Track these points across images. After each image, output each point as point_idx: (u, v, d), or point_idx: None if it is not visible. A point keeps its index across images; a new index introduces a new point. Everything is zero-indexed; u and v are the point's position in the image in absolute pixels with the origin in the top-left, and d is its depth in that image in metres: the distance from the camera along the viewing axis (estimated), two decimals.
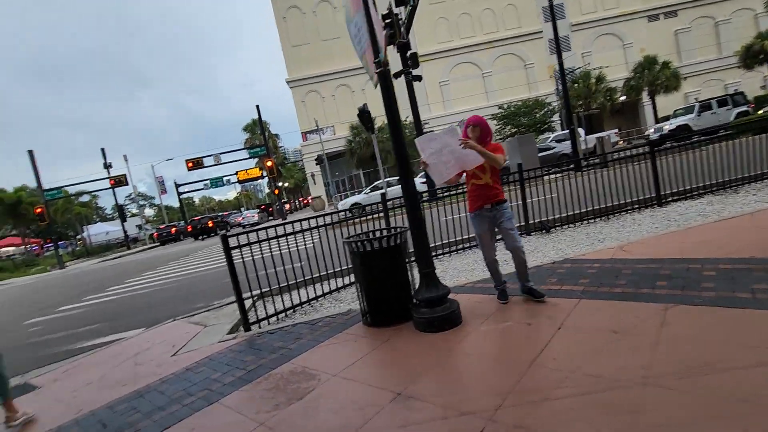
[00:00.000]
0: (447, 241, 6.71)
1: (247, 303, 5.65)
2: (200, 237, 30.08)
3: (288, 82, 35.65)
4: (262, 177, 42.08)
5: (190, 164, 31.25)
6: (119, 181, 32.72)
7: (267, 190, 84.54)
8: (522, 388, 2.29)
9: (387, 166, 33.10)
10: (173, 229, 32.00)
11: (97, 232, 44.48)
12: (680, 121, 19.46)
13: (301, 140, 36.17)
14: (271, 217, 37.48)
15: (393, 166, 32.12)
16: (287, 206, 35.80)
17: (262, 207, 42.31)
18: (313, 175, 34.89)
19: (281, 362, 3.31)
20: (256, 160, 41.79)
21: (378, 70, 3.32)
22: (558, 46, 15.34)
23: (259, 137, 37.22)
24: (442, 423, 2.12)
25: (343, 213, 5.82)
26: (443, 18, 36.44)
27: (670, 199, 6.93)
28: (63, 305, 9.42)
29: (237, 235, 4.65)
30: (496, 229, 3.52)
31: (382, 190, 17.26)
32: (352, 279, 5.66)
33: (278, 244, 5.02)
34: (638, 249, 4.45)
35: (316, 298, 5.19)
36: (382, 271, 3.69)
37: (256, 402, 2.74)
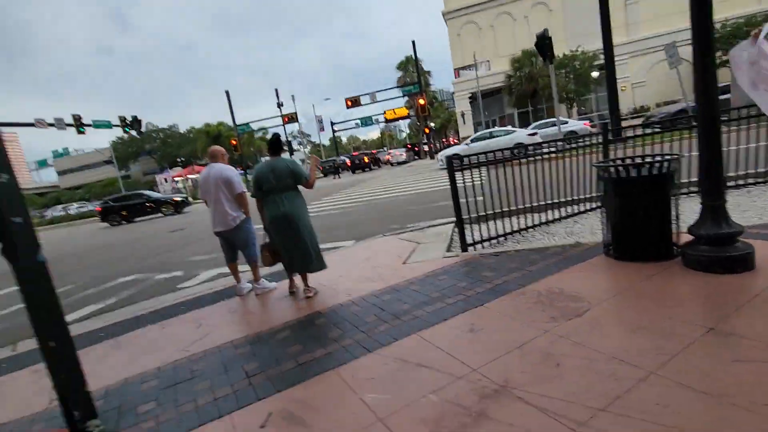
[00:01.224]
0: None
1: (450, 227, 5.92)
2: (356, 171, 32.79)
3: (444, 15, 34.03)
4: (408, 117, 42.78)
5: (349, 102, 33.34)
6: (291, 118, 37.10)
7: (407, 131, 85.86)
8: None
9: (546, 106, 30.04)
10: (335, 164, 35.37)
11: None
12: None
13: (453, 77, 34.99)
14: (417, 157, 38.23)
15: (551, 106, 28.87)
16: (430, 146, 35.89)
17: (409, 146, 43.28)
18: (463, 114, 33.80)
19: (528, 282, 3.33)
20: (406, 99, 42.36)
21: None
22: None
23: (412, 75, 37.24)
24: None
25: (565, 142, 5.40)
26: None
27: None
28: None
29: (459, 159, 4.69)
30: None
31: (565, 127, 15.70)
32: (563, 213, 5.36)
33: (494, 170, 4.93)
34: None
35: (527, 228, 5.07)
36: (642, 201, 3.30)
37: (525, 312, 2.81)
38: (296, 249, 3.92)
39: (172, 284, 5.92)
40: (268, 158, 4.04)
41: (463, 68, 32.93)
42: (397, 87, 35.16)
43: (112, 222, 21.23)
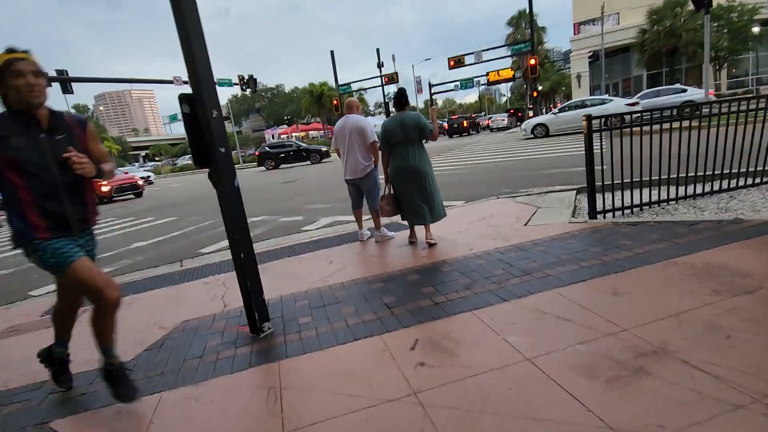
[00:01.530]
0: None
1: (571, 194, 5.59)
2: (453, 135, 32.05)
3: None
4: (513, 79, 39.90)
5: (452, 62, 32.07)
6: (391, 79, 37.03)
7: (508, 95, 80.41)
8: None
9: (686, 66, 25.69)
10: None
11: None
12: None
13: (568, 35, 31.51)
14: (519, 123, 35.91)
15: (696, 65, 24.43)
16: (536, 112, 33.21)
17: (511, 111, 40.72)
18: (579, 77, 30.54)
19: (677, 253, 3.05)
20: (513, 59, 39.40)
21: None
22: None
23: (524, 32, 34.36)
24: None
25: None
26: None
27: None
28: None
29: (598, 119, 4.33)
30: None
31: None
32: (715, 187, 4.70)
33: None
34: None
35: (668, 200, 4.58)
36: None
37: (677, 282, 2.61)
38: (422, 200, 4.08)
39: (296, 227, 6.56)
40: (394, 114, 4.18)
41: (586, 23, 29.39)
42: (506, 45, 32.66)
43: (267, 166, 23.56)
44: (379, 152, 4.38)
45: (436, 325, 2.49)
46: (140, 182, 18.20)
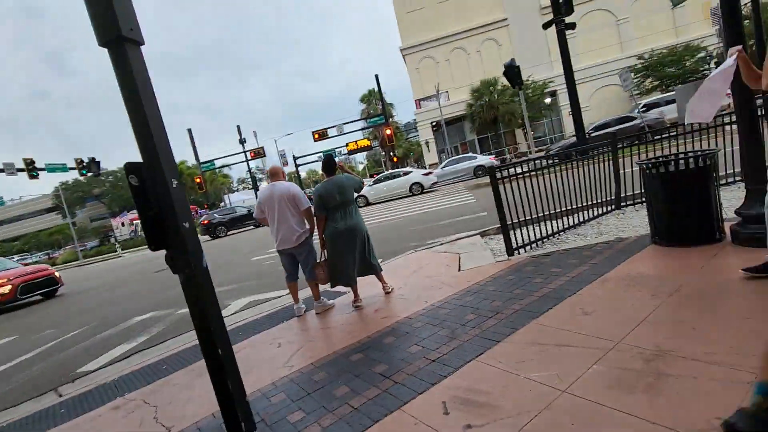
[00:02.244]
0: None
1: (477, 238, 6.15)
2: None
3: (402, 50, 35.77)
4: (371, 148, 43.75)
5: (317, 135, 33.54)
6: (257, 154, 36.76)
7: (365, 162, 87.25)
8: None
9: (506, 130, 31.98)
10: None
11: (236, 200, 50.82)
12: None
13: (406, 111, 36.44)
14: None
15: (511, 130, 30.93)
16: None
17: (374, 176, 44.08)
18: (427, 143, 35.11)
19: (602, 271, 3.57)
20: (369, 131, 43.33)
21: None
22: None
23: (375, 107, 38.44)
24: None
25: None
26: None
27: None
28: (262, 252, 11.12)
29: (501, 168, 4.98)
30: None
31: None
32: (587, 216, 5.73)
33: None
34: None
35: (557, 233, 5.38)
36: (688, 192, 3.72)
37: (622, 293, 3.03)
38: (363, 258, 4.18)
39: None
40: (326, 179, 4.19)
41: (423, 99, 34.49)
42: (363, 119, 36.03)
43: (220, 233, 23.18)
44: (314, 218, 4.24)
45: (452, 382, 2.35)
46: (58, 275, 12.45)
